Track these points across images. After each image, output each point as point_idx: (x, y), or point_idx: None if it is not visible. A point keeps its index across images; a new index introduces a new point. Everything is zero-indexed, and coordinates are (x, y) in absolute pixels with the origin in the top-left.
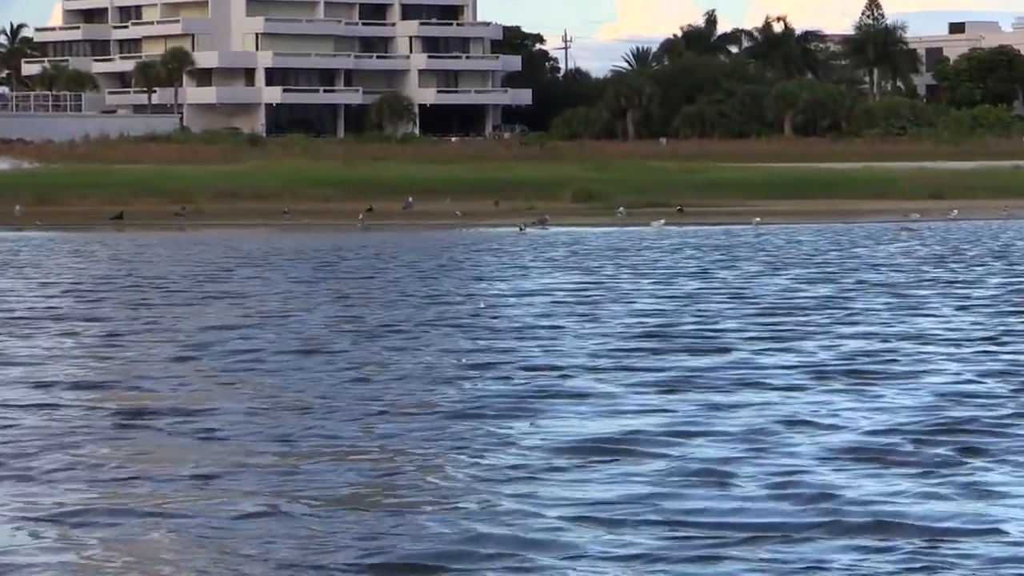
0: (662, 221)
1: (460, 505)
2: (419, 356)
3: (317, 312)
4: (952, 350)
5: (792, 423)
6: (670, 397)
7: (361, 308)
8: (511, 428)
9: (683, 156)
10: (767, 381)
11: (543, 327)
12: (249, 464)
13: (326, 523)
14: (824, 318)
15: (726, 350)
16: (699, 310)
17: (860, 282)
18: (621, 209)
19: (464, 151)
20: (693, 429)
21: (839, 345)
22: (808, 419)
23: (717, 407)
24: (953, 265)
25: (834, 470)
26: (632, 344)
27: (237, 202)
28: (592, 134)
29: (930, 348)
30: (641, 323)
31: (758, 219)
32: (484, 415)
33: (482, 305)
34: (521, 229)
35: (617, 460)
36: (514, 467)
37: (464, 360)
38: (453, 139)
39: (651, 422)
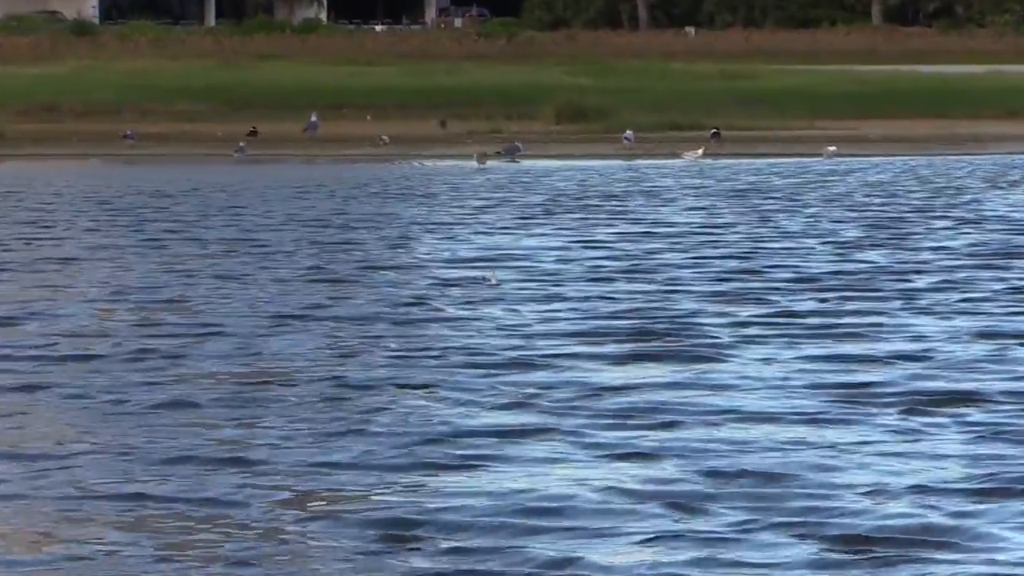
0: (700, 151)
1: None
2: (209, 367)
3: (100, 301)
4: None
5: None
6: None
7: (168, 298)
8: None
9: (720, 55)
10: (760, 408)
11: (448, 320)
12: None
13: None
14: (869, 308)
15: (711, 358)
16: (692, 292)
17: (945, 249)
18: (628, 134)
19: (394, 47)
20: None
21: (881, 353)
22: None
23: (651, 455)
24: None
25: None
26: (581, 346)
27: (55, 121)
28: (586, 21)
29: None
30: (610, 311)
31: (833, 148)
32: (276, 464)
33: (492, 280)
34: (480, 163)
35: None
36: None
37: (296, 373)
38: (378, 28)
39: (546, 484)
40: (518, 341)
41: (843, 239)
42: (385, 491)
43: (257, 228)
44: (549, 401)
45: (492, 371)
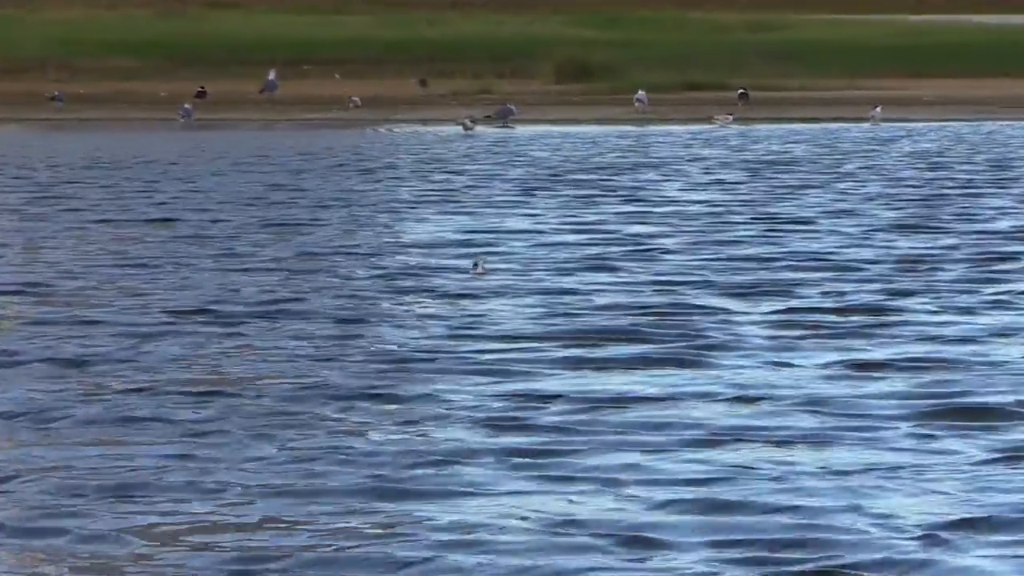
0: (729, 118)
1: None
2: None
3: None
4: None
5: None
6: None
7: (65, 289)
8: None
9: (745, 2)
10: (752, 423)
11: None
12: None
13: None
14: (895, 305)
15: (699, 363)
16: (693, 285)
17: (989, 234)
18: (640, 95)
19: None
20: None
21: (902, 357)
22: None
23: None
24: None
25: None
26: (551, 349)
27: None
28: None
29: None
30: (593, 307)
31: (878, 109)
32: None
33: (478, 268)
34: (466, 129)
35: None
36: None
37: (190, 383)
38: None
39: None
40: (471, 343)
41: (875, 221)
42: (272, 524)
43: (191, 207)
44: (495, 416)
45: (431, 377)
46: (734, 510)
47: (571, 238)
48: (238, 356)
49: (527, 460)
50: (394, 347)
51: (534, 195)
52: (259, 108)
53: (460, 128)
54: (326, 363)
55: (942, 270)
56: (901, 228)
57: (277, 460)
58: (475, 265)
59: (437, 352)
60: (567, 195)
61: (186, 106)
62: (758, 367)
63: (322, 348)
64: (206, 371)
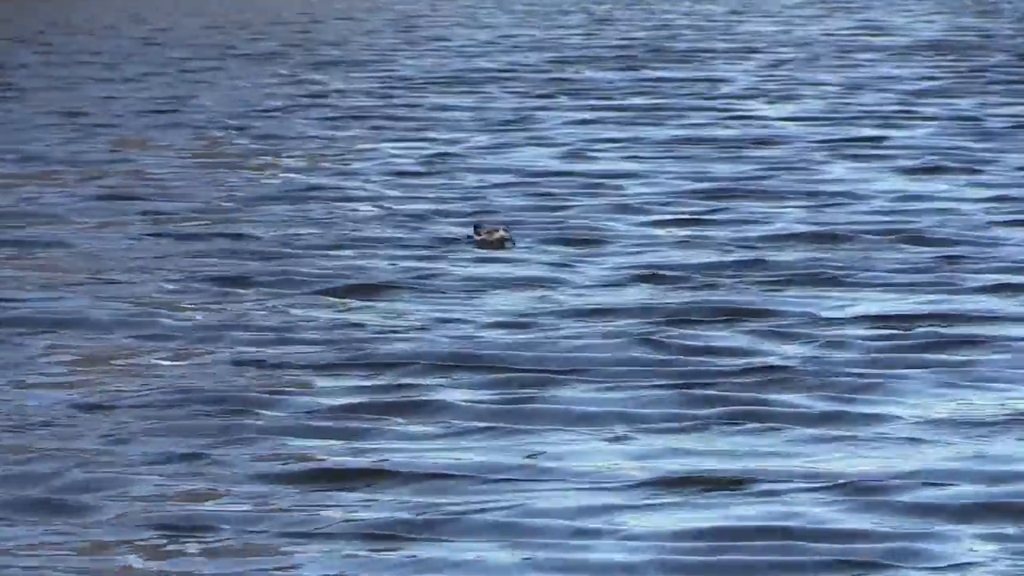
0: None
1: None
2: None
3: None
4: None
5: None
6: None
7: None
8: None
9: None
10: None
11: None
12: None
13: None
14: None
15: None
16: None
17: None
18: None
19: None
20: None
21: None
22: None
23: None
24: None
25: None
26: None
27: None
28: None
29: None
30: (593, 309)
31: None
32: None
33: (505, 234)
34: None
35: None
36: None
37: None
38: None
39: None
40: (362, 374)
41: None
42: None
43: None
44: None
45: (261, 437)
46: None
47: (607, 183)
48: None
49: None
50: (190, 386)
51: (544, 104)
52: None
53: None
54: (83, 412)
55: None
56: None
57: None
58: (476, 229)
59: (254, 395)
60: (603, 105)
61: None
62: (843, 416)
63: (79, 389)
64: None
